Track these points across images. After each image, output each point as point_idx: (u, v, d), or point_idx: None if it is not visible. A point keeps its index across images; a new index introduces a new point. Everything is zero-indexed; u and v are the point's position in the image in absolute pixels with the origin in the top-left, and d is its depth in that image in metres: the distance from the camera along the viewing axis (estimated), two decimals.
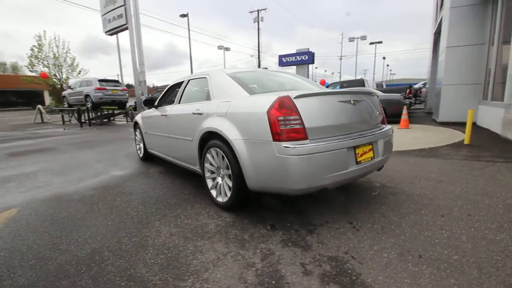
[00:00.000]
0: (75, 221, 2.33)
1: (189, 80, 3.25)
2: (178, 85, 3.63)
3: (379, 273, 1.51)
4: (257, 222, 2.18)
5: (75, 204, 2.72)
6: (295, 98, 1.91)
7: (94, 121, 12.55)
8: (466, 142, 4.72)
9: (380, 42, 32.84)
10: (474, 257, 1.62)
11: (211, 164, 2.56)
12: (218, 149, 2.35)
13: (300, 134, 1.85)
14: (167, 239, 1.98)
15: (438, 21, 9.58)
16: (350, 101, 2.20)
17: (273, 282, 1.47)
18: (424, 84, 14.51)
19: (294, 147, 1.80)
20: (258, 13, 34.58)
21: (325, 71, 67.46)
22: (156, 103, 3.88)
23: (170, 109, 3.29)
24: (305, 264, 1.62)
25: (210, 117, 2.46)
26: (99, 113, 13.12)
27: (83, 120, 11.87)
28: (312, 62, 37.63)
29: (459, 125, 6.94)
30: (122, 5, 14.33)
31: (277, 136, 1.85)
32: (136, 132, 4.78)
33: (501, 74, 5.99)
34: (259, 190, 2.09)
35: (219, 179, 2.51)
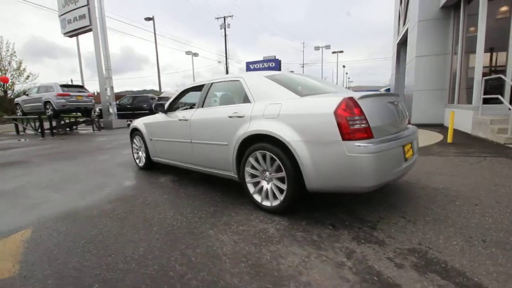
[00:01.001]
0: (115, 237, 2.09)
1: (212, 84, 3.15)
2: (194, 89, 3.50)
3: (461, 259, 1.62)
4: (314, 223, 2.18)
5: (100, 219, 2.44)
6: (359, 99, 1.98)
7: (55, 131, 11.34)
8: (449, 141, 5.27)
9: (341, 52, 35.31)
10: None
11: (253, 168, 2.50)
12: (266, 152, 2.31)
13: (367, 133, 1.92)
14: (235, 247, 1.88)
15: (402, 33, 10.62)
16: (394, 102, 2.34)
17: (375, 278, 1.49)
18: (388, 90, 15.83)
19: (366, 145, 1.86)
20: (224, 20, 34.74)
21: None
22: (165, 108, 3.68)
23: (192, 113, 3.14)
24: (391, 258, 1.67)
25: (255, 119, 2.41)
26: (62, 122, 11.91)
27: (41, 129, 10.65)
28: (279, 69, 38.97)
29: (431, 127, 7.72)
30: (85, 5, 13.33)
31: (347, 135, 1.89)
32: (135, 140, 4.46)
33: (465, 81, 6.84)
34: (319, 190, 2.10)
35: (264, 183, 2.46)
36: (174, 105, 3.78)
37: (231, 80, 2.96)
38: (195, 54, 30.66)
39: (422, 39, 7.87)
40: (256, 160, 2.45)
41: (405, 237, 1.91)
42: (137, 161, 4.51)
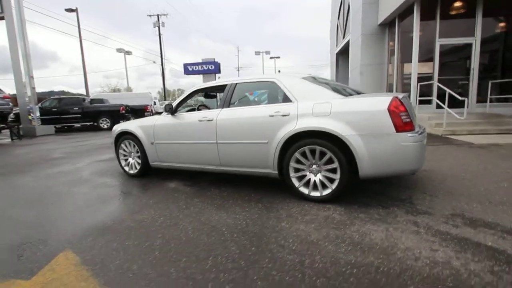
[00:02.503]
0: (197, 246, 1.99)
1: (236, 84, 3.18)
2: (208, 89, 3.44)
3: (487, 215, 2.18)
4: (365, 206, 2.50)
5: (159, 232, 2.25)
6: (401, 98, 2.39)
7: None
8: None
9: (278, 57, 37.70)
10: None
11: (298, 162, 2.68)
12: (317, 146, 2.53)
13: (412, 126, 2.34)
14: (320, 232, 2.04)
15: (342, 44, 12.17)
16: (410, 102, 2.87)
17: (448, 236, 1.89)
18: None
19: (415, 136, 2.28)
20: (158, 18, 32.83)
21: None
22: (173, 110, 3.49)
23: (218, 114, 3.10)
24: (445, 222, 2.11)
25: (303, 117, 2.60)
26: None
27: None
28: (219, 72, 38.84)
29: None
30: None
31: (399, 128, 2.27)
32: (123, 145, 4.04)
33: (401, 86, 8.37)
34: (371, 176, 2.44)
35: (311, 176, 2.67)
36: (180, 107, 3.62)
37: (263, 81, 3.06)
38: (128, 52, 28.07)
39: (364, 51, 9.27)
40: (303, 155, 2.65)
41: (439, 207, 2.41)
42: (126, 168, 4.08)
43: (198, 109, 3.86)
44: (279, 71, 43.91)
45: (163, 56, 33.02)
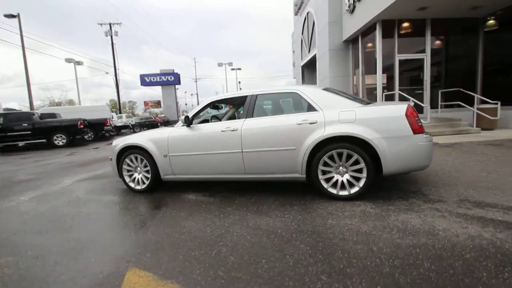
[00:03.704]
0: (260, 251, 2.09)
1: (257, 95, 3.35)
2: (225, 101, 3.54)
3: (488, 198, 2.68)
4: (389, 200, 2.84)
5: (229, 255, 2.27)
6: (412, 106, 2.84)
7: None
8: None
9: (239, 69, 38.38)
10: None
11: (325, 165, 2.95)
12: (344, 150, 2.83)
13: (423, 128, 2.78)
14: (367, 225, 2.30)
15: (309, 58, 13.10)
16: None
17: (468, 216, 2.31)
18: None
19: (428, 137, 2.72)
20: (110, 27, 31.11)
21: (185, 92, 68.61)
22: (189, 121, 3.50)
23: (242, 124, 3.22)
24: (459, 206, 2.55)
25: (330, 124, 2.88)
26: None
27: None
28: (179, 83, 38.31)
29: None
30: None
31: (416, 130, 2.69)
32: (127, 160, 3.86)
33: (366, 96, 9.35)
34: (393, 173, 2.81)
35: (338, 177, 2.95)
36: (195, 119, 3.64)
37: (285, 92, 3.28)
38: (79, 63, 25.88)
39: (332, 64, 10.17)
40: (330, 158, 2.92)
41: (447, 195, 2.87)
42: (132, 184, 3.90)
43: (211, 120, 3.92)
44: (239, 82, 44.66)
45: (116, 67, 31.26)
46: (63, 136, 12.72)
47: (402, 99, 7.72)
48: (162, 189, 3.91)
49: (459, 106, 7.71)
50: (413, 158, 2.75)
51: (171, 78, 35.59)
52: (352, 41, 10.00)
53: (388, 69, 8.48)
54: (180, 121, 3.59)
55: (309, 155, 2.96)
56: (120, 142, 3.96)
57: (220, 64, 36.99)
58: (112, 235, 2.48)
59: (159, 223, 2.67)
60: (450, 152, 5.07)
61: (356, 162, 2.85)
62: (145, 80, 35.97)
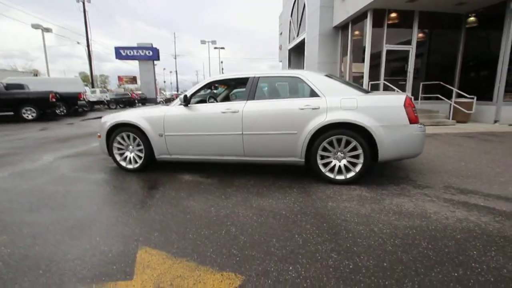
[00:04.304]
0: (269, 231, 2.15)
1: (259, 78, 3.30)
2: (225, 81, 3.46)
3: (473, 185, 2.94)
4: (382, 185, 3.01)
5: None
6: (410, 96, 2.96)
7: None
8: None
9: (222, 48, 37.05)
10: None
11: (324, 150, 3.04)
12: (343, 136, 2.93)
13: (418, 119, 2.93)
14: (366, 207, 2.44)
15: (296, 42, 12.97)
16: None
17: (453, 201, 2.53)
18: None
19: (422, 127, 2.88)
20: None
21: (164, 69, 65.53)
22: (187, 101, 3.40)
23: (244, 106, 3.19)
24: (445, 192, 2.77)
25: (332, 111, 2.94)
26: None
27: None
28: (158, 59, 36.46)
29: None
30: None
31: (413, 120, 2.83)
32: (118, 138, 3.71)
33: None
34: (387, 160, 2.96)
35: (335, 162, 3.06)
36: (192, 99, 3.54)
37: (288, 76, 3.27)
38: (47, 30, 23.59)
39: (321, 49, 10.17)
40: (329, 143, 3.01)
41: (433, 182, 3.09)
42: (123, 163, 3.78)
43: (208, 101, 3.82)
44: (221, 62, 43.45)
45: (89, 37, 28.98)
46: (33, 110, 11.81)
47: (386, 89, 7.99)
48: (155, 168, 3.83)
49: (437, 98, 8.14)
50: (407, 146, 2.91)
51: (149, 53, 33.69)
52: (342, 28, 10.02)
53: (373, 59, 8.66)
54: (178, 100, 3.48)
55: (309, 140, 3.03)
56: (110, 118, 3.77)
57: (203, 42, 35.52)
58: (112, 214, 2.42)
59: (160, 203, 2.65)
60: (430, 142, 5.41)
61: (354, 148, 2.96)
62: (121, 54, 33.76)
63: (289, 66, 15.26)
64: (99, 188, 3.12)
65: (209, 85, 3.59)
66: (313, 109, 2.99)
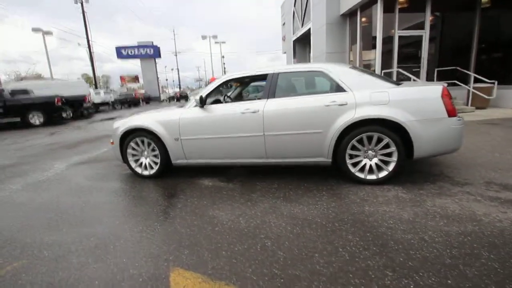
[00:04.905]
0: (308, 243, 1.98)
1: (278, 74, 3.09)
2: (242, 79, 3.26)
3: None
4: (417, 184, 2.80)
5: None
6: (447, 86, 2.73)
7: None
8: None
9: (224, 42, 36.48)
10: None
11: (353, 149, 2.84)
12: (375, 133, 2.72)
13: (456, 111, 2.70)
14: (406, 210, 2.25)
15: (301, 32, 12.59)
16: None
17: (500, 199, 2.32)
18: None
19: (462, 119, 2.65)
20: None
21: (165, 66, 65.24)
22: (203, 102, 3.21)
23: (264, 105, 3.00)
24: (488, 189, 2.56)
25: (361, 106, 2.72)
26: None
27: None
28: (159, 56, 36.21)
29: None
30: None
31: (451, 113, 2.61)
32: (132, 144, 3.55)
33: None
34: (423, 157, 2.75)
35: (366, 161, 2.86)
36: (208, 99, 3.35)
37: (310, 71, 3.04)
38: (48, 32, 23.45)
39: (329, 39, 9.83)
40: (359, 141, 2.81)
41: (471, 177, 2.88)
42: (138, 169, 3.63)
43: (224, 100, 3.63)
44: (223, 57, 42.99)
45: (89, 38, 28.76)
46: (40, 115, 11.77)
47: (399, 77, 7.68)
48: (171, 174, 3.67)
49: (454, 84, 7.80)
50: (445, 141, 2.69)
51: (150, 51, 33.45)
52: (350, 15, 9.64)
53: (384, 45, 8.31)
54: (193, 101, 3.29)
55: (337, 138, 2.83)
56: (122, 124, 3.60)
57: (204, 37, 34.99)
58: (135, 228, 2.27)
59: (184, 214, 2.49)
60: None
61: (386, 146, 2.75)
62: (122, 53, 33.61)
63: (294, 57, 14.89)
64: (118, 199, 2.98)
65: (225, 84, 3.39)
66: (340, 105, 2.78)
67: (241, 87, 4.47)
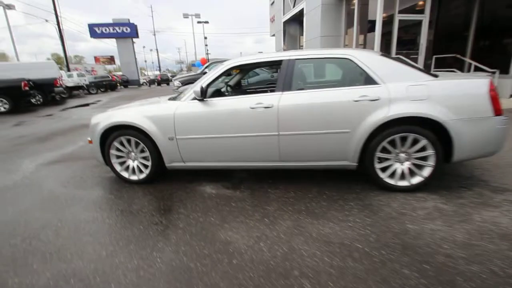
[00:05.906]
0: (353, 279, 1.59)
1: (295, 60, 2.58)
2: (249, 66, 2.74)
3: None
4: (454, 193, 2.45)
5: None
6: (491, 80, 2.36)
7: None
8: None
9: (206, 22, 34.42)
10: None
11: (384, 151, 2.45)
12: (409, 134, 2.34)
13: (501, 109, 2.35)
14: (469, 234, 1.92)
15: (293, 13, 11.87)
16: None
17: None
18: None
19: (507, 119, 2.31)
20: None
21: (144, 47, 61.48)
22: (203, 94, 2.67)
23: (279, 99, 2.51)
24: None
25: (396, 102, 2.31)
26: None
27: None
28: (136, 36, 33.93)
29: None
30: None
31: (497, 111, 2.25)
32: (116, 144, 2.97)
33: None
34: (463, 160, 2.43)
35: (397, 165, 2.49)
36: (208, 90, 2.80)
37: (333, 57, 2.55)
38: (9, 6, 20.91)
39: (324, 21, 9.26)
40: (390, 143, 2.42)
41: (509, 181, 2.60)
42: (125, 174, 3.08)
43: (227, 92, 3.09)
44: (205, 38, 40.99)
45: (58, 13, 26.17)
46: (4, 101, 10.55)
47: None
48: (164, 179, 3.15)
49: (452, 72, 7.61)
50: (487, 143, 2.36)
51: (126, 29, 31.02)
52: None
53: (384, 30, 7.91)
54: (191, 92, 2.74)
55: (365, 140, 2.42)
56: (103, 119, 2.99)
57: (185, 16, 32.77)
58: (130, 264, 1.78)
59: (188, 238, 2.02)
60: None
61: (422, 148, 2.39)
62: (96, 31, 30.95)
63: (284, 40, 14.19)
64: (102, 214, 2.44)
65: (229, 71, 2.84)
66: (371, 100, 2.35)
67: (239, 75, 3.92)
